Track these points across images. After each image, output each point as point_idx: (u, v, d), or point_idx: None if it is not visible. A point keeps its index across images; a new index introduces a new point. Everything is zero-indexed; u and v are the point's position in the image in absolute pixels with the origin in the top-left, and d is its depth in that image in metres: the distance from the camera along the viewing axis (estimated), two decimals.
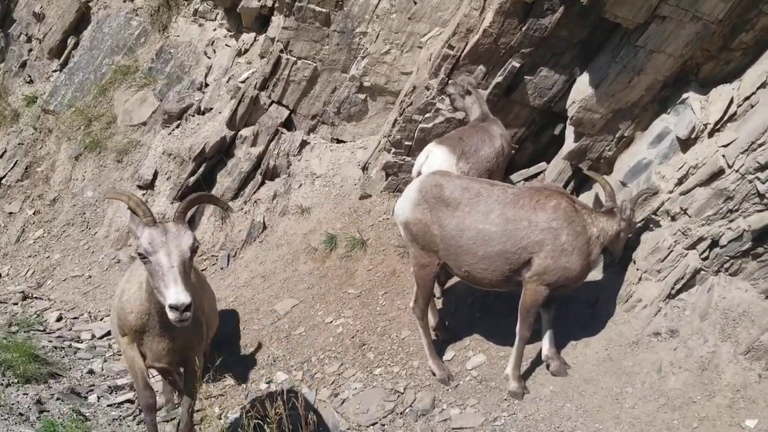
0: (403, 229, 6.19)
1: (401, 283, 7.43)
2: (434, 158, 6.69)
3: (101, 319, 8.22)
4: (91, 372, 7.08)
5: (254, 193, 8.77)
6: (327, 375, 6.76)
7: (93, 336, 7.81)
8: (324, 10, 8.30)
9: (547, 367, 6.36)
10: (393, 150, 7.91)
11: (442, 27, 7.91)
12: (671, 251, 6.49)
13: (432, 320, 6.74)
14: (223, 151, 9.08)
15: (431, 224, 5.93)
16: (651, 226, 6.66)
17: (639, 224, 6.58)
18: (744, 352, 6.01)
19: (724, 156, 6.23)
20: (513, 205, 5.80)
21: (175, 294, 3.58)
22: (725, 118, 6.37)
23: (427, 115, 7.57)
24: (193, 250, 3.79)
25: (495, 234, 5.75)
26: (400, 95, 7.90)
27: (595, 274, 6.86)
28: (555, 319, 6.38)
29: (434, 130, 7.59)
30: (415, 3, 7.97)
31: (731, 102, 6.36)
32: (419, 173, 6.64)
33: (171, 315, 3.61)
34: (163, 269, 3.64)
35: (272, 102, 8.93)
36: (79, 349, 7.54)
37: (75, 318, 8.35)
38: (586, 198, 7.14)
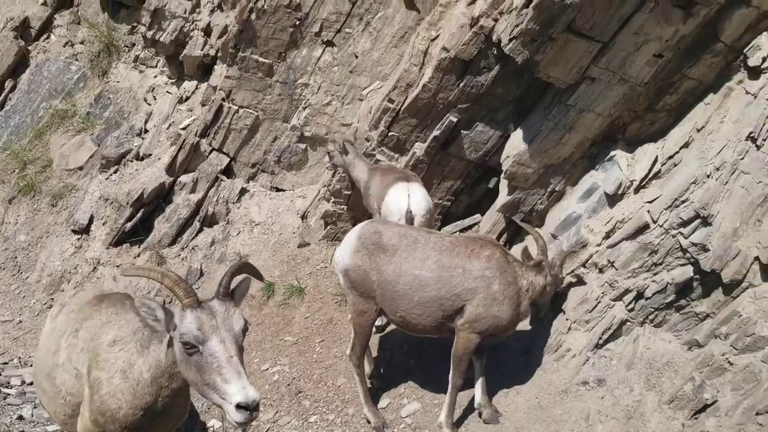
0: (342, 276, 6.40)
1: (338, 331, 7.61)
2: (417, 193, 7.02)
3: (31, 365, 8.14)
4: (20, 418, 7.01)
5: (192, 239, 8.90)
6: (262, 423, 6.85)
7: (23, 382, 7.73)
8: (267, 61, 8.64)
9: (480, 414, 6.58)
10: (332, 199, 8.18)
11: (382, 81, 8.30)
12: (599, 302, 6.85)
13: (368, 368, 6.93)
14: (162, 197, 9.21)
15: (370, 270, 6.15)
16: (580, 278, 7.03)
17: (569, 276, 6.94)
18: (668, 402, 6.33)
19: (649, 211, 6.66)
20: (449, 253, 6.08)
21: (243, 390, 2.99)
22: (650, 175, 6.84)
23: None
24: (245, 332, 3.31)
25: (430, 280, 6.00)
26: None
27: (527, 324, 7.17)
28: (487, 367, 6.62)
29: None
30: (357, 57, 8.37)
31: (656, 160, 6.84)
32: (410, 212, 6.90)
33: (237, 417, 3.01)
34: (219, 360, 3.09)
35: (213, 149, 9.15)
36: (8, 394, 7.46)
37: (5, 363, 8.26)
38: (518, 251, 7.49)
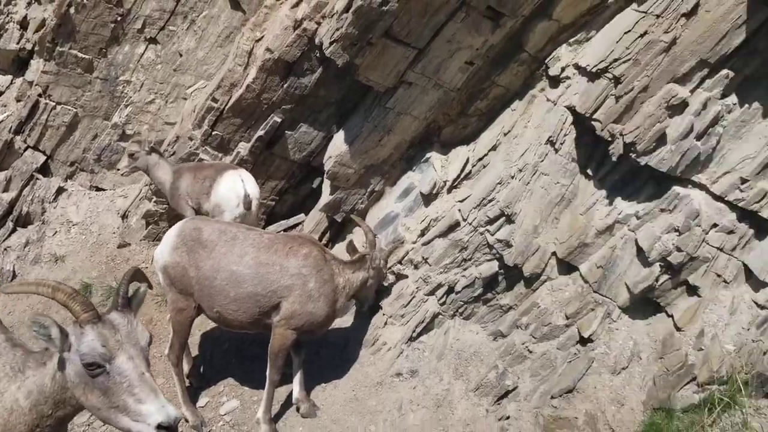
0: (161, 273, 6.36)
1: (157, 332, 7.54)
2: (249, 179, 7.11)
3: None
4: None
5: (4, 240, 8.54)
6: (76, 425, 6.67)
7: None
8: (87, 56, 8.47)
9: (297, 409, 6.74)
10: (154, 199, 8.12)
11: (207, 80, 8.35)
12: (413, 297, 7.21)
13: (186, 367, 6.92)
14: None
15: (189, 267, 6.16)
16: (397, 274, 7.37)
17: (388, 273, 7.25)
18: (474, 389, 6.76)
19: (459, 210, 7.11)
20: (267, 250, 6.19)
21: (163, 409, 2.75)
22: (462, 176, 7.29)
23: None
24: (150, 345, 3.03)
25: (247, 276, 6.08)
26: (163, 145, 8.17)
27: (346, 320, 7.42)
28: (306, 363, 6.79)
29: None
30: (181, 55, 8.38)
31: (467, 162, 7.31)
32: (247, 195, 6.95)
33: None
34: (130, 379, 2.80)
35: (28, 147, 8.83)
36: None
37: None
38: (340, 249, 7.76)
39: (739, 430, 5.83)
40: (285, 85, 7.51)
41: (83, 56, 8.32)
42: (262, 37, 7.69)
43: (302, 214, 8.30)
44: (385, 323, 7.17)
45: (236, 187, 6.96)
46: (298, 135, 7.84)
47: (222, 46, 8.24)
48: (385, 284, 7.22)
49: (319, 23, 7.32)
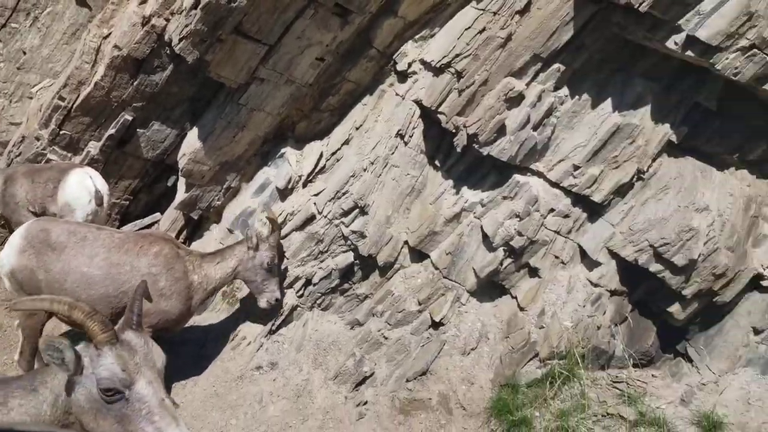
0: (8, 279, 6.16)
1: (7, 338, 7.36)
2: (97, 176, 7.00)
3: None
4: None
5: None
6: None
7: None
8: None
9: None
10: None
11: (53, 78, 8.19)
12: None
13: None
14: None
15: (37, 270, 6.00)
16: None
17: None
18: (333, 378, 6.97)
19: (315, 204, 7.29)
20: (118, 250, 6.12)
21: None
22: (316, 170, 7.48)
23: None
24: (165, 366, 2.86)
25: (98, 277, 6.00)
26: (8, 146, 7.96)
27: (207, 317, 7.48)
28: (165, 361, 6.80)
29: None
30: (25, 53, 8.17)
31: (321, 156, 7.51)
32: (98, 191, 6.82)
33: None
34: (150, 406, 2.69)
35: None
36: None
37: None
38: (199, 245, 7.80)
39: (577, 400, 6.31)
40: (135, 83, 7.47)
41: None
42: (110, 33, 7.62)
43: (158, 213, 8.28)
44: (245, 318, 7.25)
45: (86, 183, 6.89)
46: (150, 133, 7.81)
47: (68, 44, 8.09)
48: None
49: (168, 20, 7.32)
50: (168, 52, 7.34)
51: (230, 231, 7.57)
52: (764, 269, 6.49)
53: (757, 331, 6.51)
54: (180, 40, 6.69)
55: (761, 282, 6.55)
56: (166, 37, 7.17)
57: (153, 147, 7.84)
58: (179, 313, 6.30)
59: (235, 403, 6.81)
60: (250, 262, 6.55)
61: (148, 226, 8.15)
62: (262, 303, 6.72)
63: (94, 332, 2.77)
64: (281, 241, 7.24)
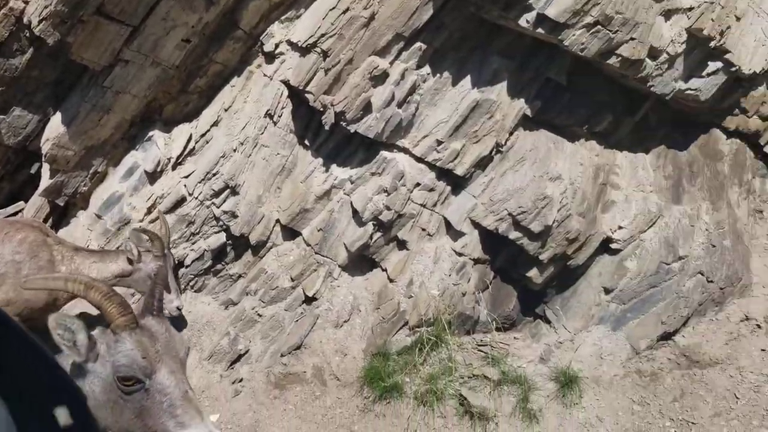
0: None
1: None
2: None
3: None
4: None
5: None
6: None
7: None
8: None
9: None
10: None
11: None
12: None
13: None
14: None
15: None
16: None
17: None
18: (207, 357, 7.05)
19: (185, 186, 7.33)
20: None
21: None
22: (185, 152, 7.50)
23: None
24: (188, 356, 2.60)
25: None
26: None
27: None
28: None
29: None
30: None
31: (190, 138, 7.53)
32: None
33: None
34: (172, 398, 2.44)
35: None
36: None
37: None
38: (65, 234, 7.68)
39: (445, 364, 6.65)
40: None
41: None
42: None
43: (21, 202, 8.08)
44: None
45: None
46: (11, 119, 7.62)
47: None
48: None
49: (26, 2, 7.15)
50: (27, 34, 7.17)
51: (98, 217, 7.50)
52: (613, 233, 7.02)
53: (607, 291, 7.03)
54: (40, 21, 6.58)
55: (610, 245, 7.08)
56: (25, 20, 7.01)
57: (14, 133, 7.65)
58: (44, 304, 6.08)
59: None
60: (136, 274, 6.32)
61: (13, 215, 7.95)
62: (170, 311, 6.42)
63: (112, 315, 2.52)
64: (152, 224, 7.24)
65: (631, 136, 7.45)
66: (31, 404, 1.41)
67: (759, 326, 6.89)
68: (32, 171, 7.87)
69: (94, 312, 2.71)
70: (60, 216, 7.73)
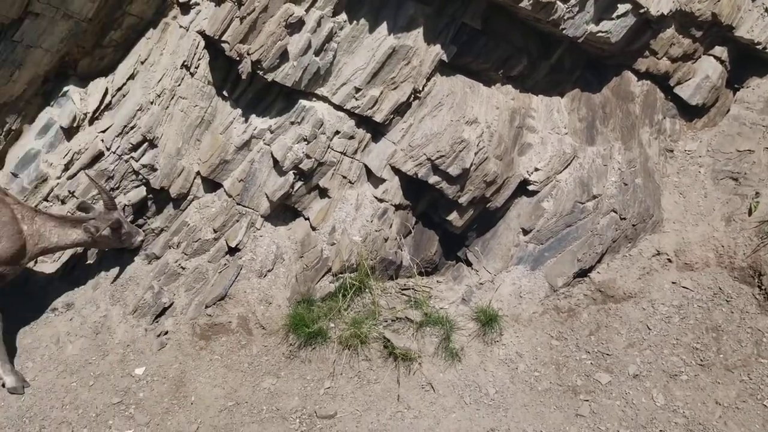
0: None
1: None
2: None
3: None
4: None
5: None
6: None
7: None
8: None
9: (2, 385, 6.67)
10: None
11: None
12: None
13: None
14: None
15: None
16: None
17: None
18: (132, 312, 7.19)
19: (102, 141, 7.40)
20: None
21: None
22: (102, 107, 7.55)
23: None
24: None
25: None
26: None
27: None
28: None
29: None
30: None
31: (106, 92, 7.58)
32: None
33: None
34: None
35: None
36: None
37: None
38: None
39: (369, 308, 6.91)
40: None
41: None
42: None
43: None
44: (36, 261, 7.31)
45: None
46: None
47: None
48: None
49: None
50: None
51: (14, 175, 7.53)
52: (529, 175, 7.33)
53: (525, 232, 7.36)
54: None
55: (527, 187, 7.39)
56: None
57: None
58: (11, 253, 6.34)
59: (29, 346, 6.91)
60: (99, 238, 6.77)
61: None
62: (135, 246, 7.29)
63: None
64: (70, 180, 7.31)
65: (546, 80, 7.73)
66: None
67: (670, 260, 7.30)
68: None
69: None
70: None
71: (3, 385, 6.46)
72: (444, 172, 6.91)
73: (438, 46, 7.16)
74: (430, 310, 6.82)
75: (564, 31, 7.02)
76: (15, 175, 7.45)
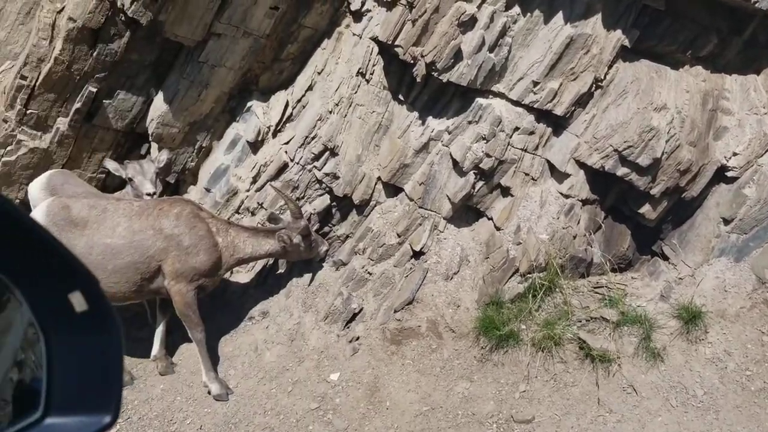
0: None
1: None
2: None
3: None
4: None
5: None
6: None
7: None
8: None
9: (156, 367, 7.17)
10: None
11: (13, 60, 8.46)
12: None
13: None
14: None
15: None
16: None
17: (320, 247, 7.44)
18: (323, 318, 7.37)
19: (286, 152, 7.64)
20: (139, 217, 6.42)
21: None
22: (284, 119, 7.80)
23: (9, 148, 8.02)
24: None
25: (122, 246, 6.30)
26: None
27: None
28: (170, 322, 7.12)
29: (19, 162, 8.08)
30: None
31: (287, 105, 7.82)
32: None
33: None
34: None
35: None
36: None
37: None
38: None
39: (561, 308, 6.72)
40: (94, 54, 7.68)
41: None
42: (63, 7, 7.83)
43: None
44: (232, 272, 7.63)
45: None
46: (116, 103, 8.08)
47: (24, 24, 8.34)
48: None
49: None
50: (122, 18, 7.56)
51: (207, 190, 7.91)
52: (727, 160, 6.85)
53: (726, 222, 6.88)
54: (132, 3, 6.95)
55: (726, 173, 6.90)
56: (119, 3, 7.38)
57: (121, 117, 8.12)
58: (211, 266, 6.67)
59: (231, 354, 7.21)
60: (291, 247, 6.94)
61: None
62: (321, 257, 7.45)
63: None
64: (258, 192, 7.58)
65: (739, 58, 7.17)
66: (44, 291, 1.46)
67: None
68: (142, 152, 8.32)
69: None
70: (172, 193, 8.18)
71: (209, 393, 6.70)
72: (633, 163, 6.60)
73: (619, 32, 6.83)
74: (627, 308, 6.52)
75: (756, 5, 6.49)
76: (208, 190, 7.81)
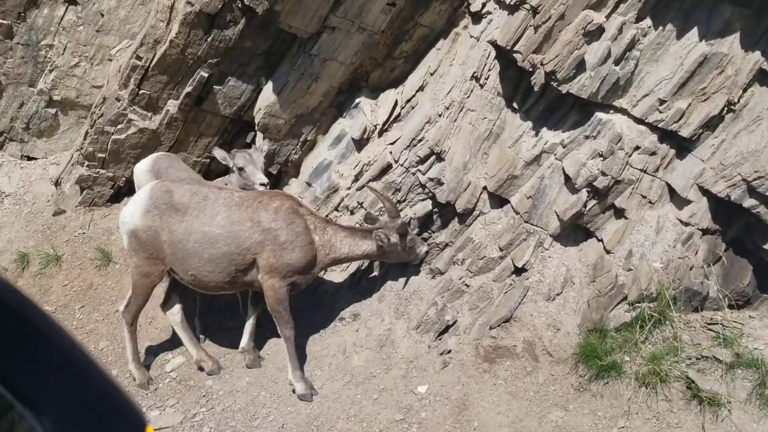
0: (129, 237, 6.39)
1: (99, 296, 7.82)
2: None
3: None
4: None
5: None
6: None
7: None
8: (5, 21, 8.56)
9: (244, 359, 7.11)
10: (86, 163, 8.33)
11: (131, 39, 8.55)
12: None
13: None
14: None
15: (161, 230, 6.28)
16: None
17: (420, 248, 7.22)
18: (415, 327, 7.14)
19: (391, 153, 7.43)
20: (238, 208, 6.39)
21: None
22: (391, 119, 7.60)
23: (119, 126, 8.12)
24: None
25: (220, 236, 6.28)
26: (91, 108, 8.37)
27: None
28: (260, 316, 7.07)
29: (128, 141, 8.17)
30: (103, 16, 8.52)
31: (396, 104, 7.62)
32: None
33: None
34: None
35: None
36: None
37: None
38: None
39: (669, 343, 6.30)
40: (209, 39, 7.67)
41: (1, 21, 8.42)
42: None
43: None
44: (326, 271, 7.49)
45: None
46: (227, 89, 8.06)
47: (144, 4, 8.39)
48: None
49: None
50: (239, 5, 7.51)
51: (308, 184, 7.79)
52: None
53: None
54: None
55: None
56: None
57: (230, 103, 8.10)
58: (306, 264, 6.57)
59: (319, 354, 7.08)
60: (389, 247, 6.79)
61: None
62: (419, 259, 7.20)
63: None
64: (359, 191, 7.41)
65: None
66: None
67: None
68: (248, 140, 8.30)
69: None
70: (273, 185, 8.10)
71: (293, 391, 6.58)
72: (763, 195, 6.12)
73: (758, 53, 6.34)
74: (743, 349, 6.04)
75: None
76: (309, 185, 7.70)
